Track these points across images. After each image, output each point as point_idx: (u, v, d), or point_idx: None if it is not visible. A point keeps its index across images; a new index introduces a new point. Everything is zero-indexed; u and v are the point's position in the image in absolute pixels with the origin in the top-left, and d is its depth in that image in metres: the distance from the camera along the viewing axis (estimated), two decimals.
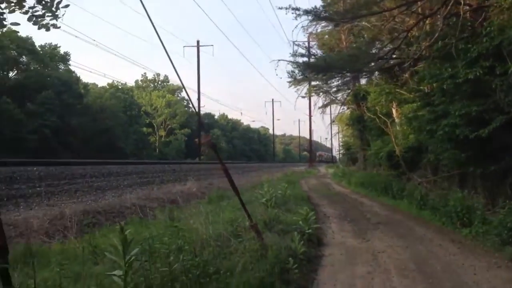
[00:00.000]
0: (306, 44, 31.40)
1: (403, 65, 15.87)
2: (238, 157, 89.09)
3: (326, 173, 43.03)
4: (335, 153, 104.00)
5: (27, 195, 11.16)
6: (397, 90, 18.30)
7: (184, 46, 71.09)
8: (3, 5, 3.54)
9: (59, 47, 58.84)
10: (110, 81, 73.06)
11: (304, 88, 28.20)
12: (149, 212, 10.57)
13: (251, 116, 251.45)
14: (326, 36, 28.18)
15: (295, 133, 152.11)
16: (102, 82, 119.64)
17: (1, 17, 3.52)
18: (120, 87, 72.95)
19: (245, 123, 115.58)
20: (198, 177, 20.86)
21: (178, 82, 71.79)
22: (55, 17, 3.66)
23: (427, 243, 8.30)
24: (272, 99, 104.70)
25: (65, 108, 49.72)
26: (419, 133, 15.12)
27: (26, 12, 3.61)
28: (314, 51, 28.54)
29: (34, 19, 3.60)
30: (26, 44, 51.24)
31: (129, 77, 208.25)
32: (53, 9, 3.63)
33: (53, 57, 57.69)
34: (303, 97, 33.11)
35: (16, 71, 53.72)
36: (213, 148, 6.34)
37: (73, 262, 5.66)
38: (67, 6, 3.70)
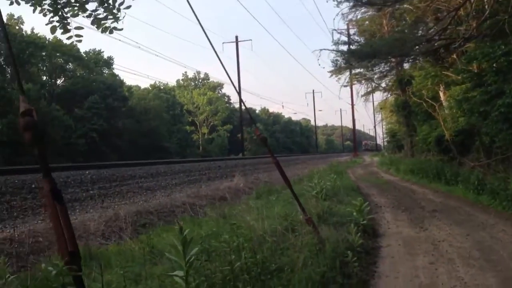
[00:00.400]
0: (346, 32, 30.72)
1: (450, 46, 15.26)
2: (280, 150, 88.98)
3: (371, 162, 42.27)
4: (379, 141, 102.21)
5: (82, 198, 11.46)
6: (443, 72, 17.66)
7: (223, 43, 70.93)
8: (66, 9, 3.55)
9: (103, 52, 60.54)
10: (152, 82, 74.57)
11: (345, 77, 27.73)
12: (199, 210, 10.62)
13: (293, 109, 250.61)
14: (367, 22, 27.56)
15: (337, 123, 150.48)
16: (144, 84, 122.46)
17: (65, 21, 3.54)
18: (162, 87, 74.32)
19: (286, 116, 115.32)
20: (243, 172, 20.89)
21: (218, 79, 72.11)
22: (116, 19, 3.65)
23: (490, 229, 7.93)
24: (313, 90, 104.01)
25: (111, 111, 51.13)
26: (471, 115, 14.52)
27: (89, 16, 3.61)
28: (355, 38, 27.97)
29: (96, 22, 3.59)
30: (71, 51, 52.94)
31: (170, 77, 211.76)
32: (114, 11, 3.61)
33: (98, 62, 59.40)
34: (345, 86, 32.53)
35: (63, 78, 55.69)
36: (264, 141, 6.28)
37: (131, 263, 5.71)
38: (128, 7, 3.67)
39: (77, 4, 3.56)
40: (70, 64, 55.91)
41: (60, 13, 3.55)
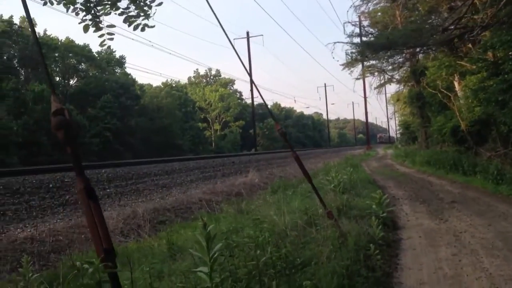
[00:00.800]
0: (359, 24, 30.50)
1: (464, 36, 15.03)
2: (293, 144, 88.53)
3: (385, 154, 41.97)
4: (392, 133, 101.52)
5: (99, 196, 11.52)
6: (458, 62, 17.42)
7: (234, 39, 70.58)
8: (98, 8, 3.55)
9: (115, 51, 60.83)
10: (164, 80, 74.82)
11: (358, 69, 27.55)
12: (215, 206, 10.63)
13: (305, 103, 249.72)
14: (379, 14, 27.31)
15: (349, 116, 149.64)
16: (156, 82, 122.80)
17: (97, 20, 3.53)
18: (174, 85, 74.54)
19: (298, 110, 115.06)
20: (257, 167, 20.86)
21: (230, 75, 71.89)
22: (147, 16, 3.64)
23: (511, 219, 7.81)
24: (325, 84, 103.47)
25: (124, 110, 51.42)
26: (487, 104, 14.29)
27: (121, 14, 3.60)
28: (368, 30, 27.73)
29: (128, 20, 3.58)
30: (83, 52, 53.37)
31: (182, 74, 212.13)
32: (145, 8, 3.60)
33: (110, 61, 59.72)
34: (357, 78, 32.33)
35: (76, 79, 56.15)
36: (283, 136, 6.26)
37: (151, 259, 5.72)
38: (159, 4, 3.65)
39: (109, 3, 3.55)
40: (82, 64, 56.32)
41: (92, 12, 3.55)
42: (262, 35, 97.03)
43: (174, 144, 55.68)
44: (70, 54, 53.77)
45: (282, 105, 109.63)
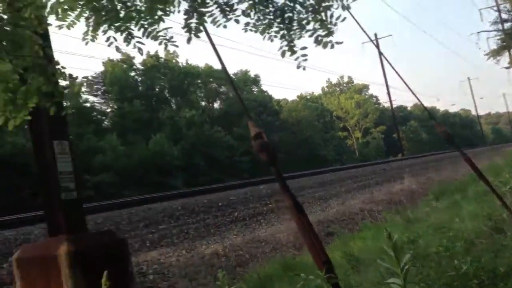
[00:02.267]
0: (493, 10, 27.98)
1: None
2: (444, 145, 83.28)
3: None
4: None
5: (264, 212, 12.20)
6: None
7: (362, 43, 69.00)
8: (291, 33, 3.79)
9: (249, 71, 63.78)
10: (299, 93, 76.14)
11: (505, 57, 25.17)
12: (377, 216, 10.53)
13: (449, 100, 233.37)
14: None
15: (502, 110, 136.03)
16: (291, 96, 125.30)
17: (291, 44, 3.75)
18: (308, 97, 75.46)
19: (442, 109, 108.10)
20: (411, 173, 20.11)
21: (363, 81, 70.42)
22: (331, 33, 3.67)
23: None
24: (468, 78, 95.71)
25: (266, 126, 53.44)
26: None
27: (311, 35, 3.72)
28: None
29: (318, 40, 3.73)
30: (222, 75, 56.90)
31: (313, 85, 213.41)
32: (329, 26, 3.66)
33: (246, 81, 62.66)
34: (507, 67, 29.49)
35: (218, 102, 60.02)
36: (448, 137, 6.08)
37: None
38: (343, 19, 3.69)
39: (299, 28, 3.77)
40: (222, 87, 59.98)
41: (286, 38, 3.81)
42: (391, 35, 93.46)
43: (317, 155, 56.15)
44: (211, 79, 57.69)
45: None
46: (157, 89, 53.15)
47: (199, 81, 56.80)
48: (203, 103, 58.50)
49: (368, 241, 7.98)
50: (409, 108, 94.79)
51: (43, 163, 5.32)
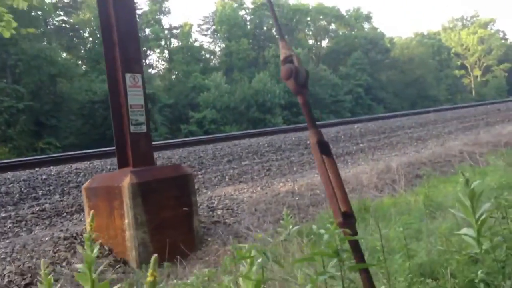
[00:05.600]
0: None
1: None
2: None
3: None
4: None
5: (352, 152, 11.63)
6: None
7: None
8: None
9: (360, 8, 60.69)
10: (415, 30, 71.19)
11: None
12: (479, 159, 9.47)
13: None
14: None
15: None
16: (407, 34, 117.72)
17: None
18: (425, 33, 70.22)
19: None
20: None
21: (488, 15, 63.71)
22: None
23: None
24: None
25: (374, 65, 51.12)
26: None
27: None
28: None
29: None
30: (332, 12, 54.86)
31: (434, 22, 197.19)
32: None
33: (358, 18, 59.82)
34: None
35: (327, 40, 58.28)
36: None
37: (407, 217, 5.37)
38: None
39: None
40: (332, 24, 57.91)
41: None
42: None
43: (428, 95, 52.81)
44: (321, 17, 55.85)
45: None
46: (265, 28, 52.87)
47: (308, 18, 55.36)
48: (311, 42, 57.32)
49: (460, 185, 7.25)
50: None
51: (114, 95, 5.35)
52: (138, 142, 5.35)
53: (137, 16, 5.66)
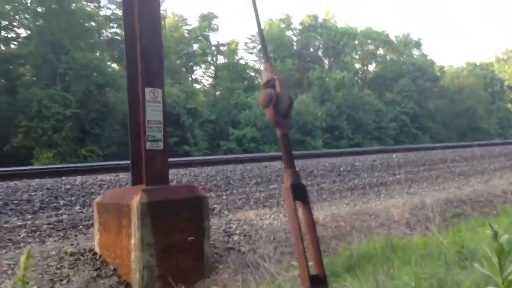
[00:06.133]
0: None
1: None
2: None
3: None
4: None
5: (388, 183, 11.12)
6: None
7: None
8: None
9: (409, 34, 59.68)
10: (468, 60, 69.24)
11: None
12: None
13: None
14: None
15: None
16: (459, 63, 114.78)
17: None
18: (478, 64, 68.12)
19: None
20: None
21: None
22: None
23: None
24: None
25: (421, 93, 49.90)
26: None
27: None
28: None
29: None
30: (381, 37, 54.17)
31: (487, 53, 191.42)
32: None
33: (407, 44, 58.82)
34: None
35: (374, 64, 57.53)
36: None
37: (436, 261, 4.91)
38: None
39: None
40: (380, 49, 57.17)
41: None
42: None
43: (478, 127, 50.89)
44: (369, 41, 55.27)
45: None
46: (311, 49, 52.82)
47: (356, 42, 54.98)
48: (357, 65, 56.78)
49: (500, 230, 6.67)
50: None
51: (133, 109, 5.23)
52: (153, 159, 5.18)
53: (161, 28, 5.52)
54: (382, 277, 4.25)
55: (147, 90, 5.16)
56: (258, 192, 9.12)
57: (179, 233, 4.92)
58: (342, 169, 11.75)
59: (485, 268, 3.24)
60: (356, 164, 12.26)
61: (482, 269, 3.26)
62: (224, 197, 8.55)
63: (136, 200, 4.70)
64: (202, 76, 49.58)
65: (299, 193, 1.57)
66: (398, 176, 11.83)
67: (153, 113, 5.24)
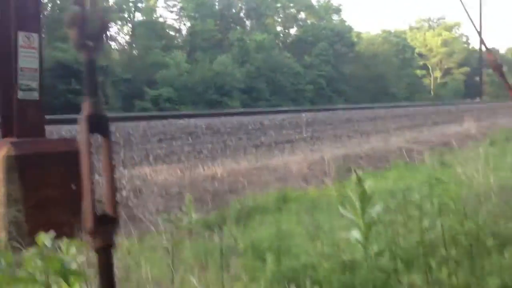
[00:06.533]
0: None
1: None
2: None
3: None
4: None
5: (294, 140, 11.30)
6: None
7: None
8: None
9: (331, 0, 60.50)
10: (384, 28, 71.90)
11: None
12: (416, 156, 9.32)
13: None
14: None
15: None
16: (376, 30, 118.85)
17: None
18: (392, 31, 70.89)
19: None
20: (477, 117, 18.10)
21: (455, 19, 65.08)
22: None
23: None
24: None
25: (338, 57, 51.17)
26: None
27: None
28: None
29: None
30: (303, 1, 54.53)
31: (403, 21, 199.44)
32: None
33: (327, 9, 59.62)
34: None
35: (295, 28, 57.94)
36: (498, 69, 4.66)
37: (323, 211, 5.01)
38: None
39: None
40: (302, 13, 57.55)
41: None
42: None
43: (388, 92, 53.44)
44: (291, 4, 55.41)
45: None
46: (233, 10, 51.93)
47: (278, 5, 54.79)
48: (279, 28, 56.80)
49: (388, 181, 7.02)
50: (501, 52, 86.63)
51: (3, 55, 4.71)
52: (26, 110, 4.73)
53: None
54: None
55: (20, 34, 4.66)
56: (159, 149, 8.87)
57: (53, 188, 4.59)
58: (250, 127, 11.75)
59: (349, 212, 3.29)
60: (265, 122, 12.31)
61: (346, 213, 3.31)
62: (122, 154, 8.21)
63: (1, 153, 4.30)
64: (117, 34, 47.18)
65: (99, 125, 1.32)
66: (304, 135, 12.05)
67: (27, 60, 4.76)
